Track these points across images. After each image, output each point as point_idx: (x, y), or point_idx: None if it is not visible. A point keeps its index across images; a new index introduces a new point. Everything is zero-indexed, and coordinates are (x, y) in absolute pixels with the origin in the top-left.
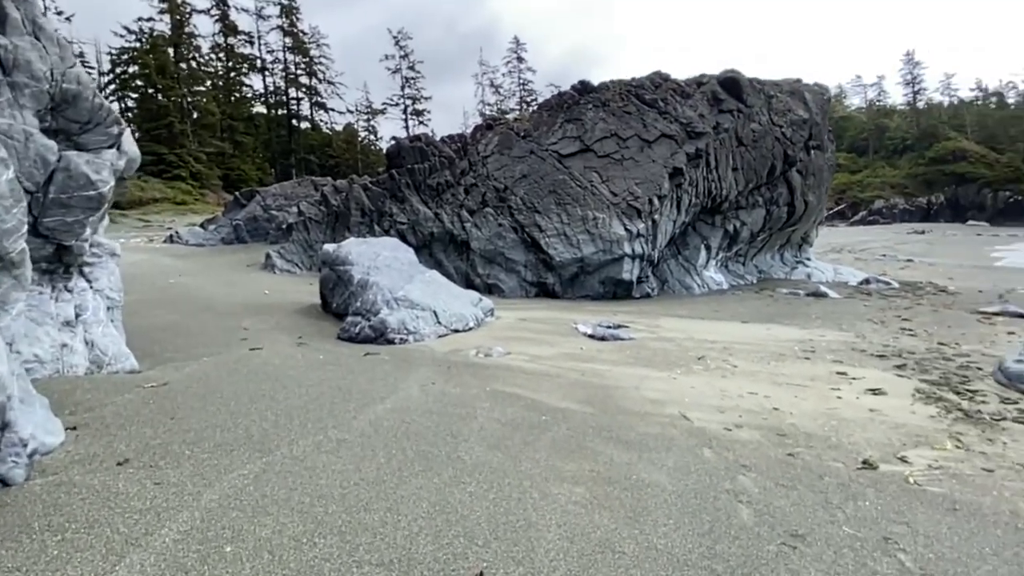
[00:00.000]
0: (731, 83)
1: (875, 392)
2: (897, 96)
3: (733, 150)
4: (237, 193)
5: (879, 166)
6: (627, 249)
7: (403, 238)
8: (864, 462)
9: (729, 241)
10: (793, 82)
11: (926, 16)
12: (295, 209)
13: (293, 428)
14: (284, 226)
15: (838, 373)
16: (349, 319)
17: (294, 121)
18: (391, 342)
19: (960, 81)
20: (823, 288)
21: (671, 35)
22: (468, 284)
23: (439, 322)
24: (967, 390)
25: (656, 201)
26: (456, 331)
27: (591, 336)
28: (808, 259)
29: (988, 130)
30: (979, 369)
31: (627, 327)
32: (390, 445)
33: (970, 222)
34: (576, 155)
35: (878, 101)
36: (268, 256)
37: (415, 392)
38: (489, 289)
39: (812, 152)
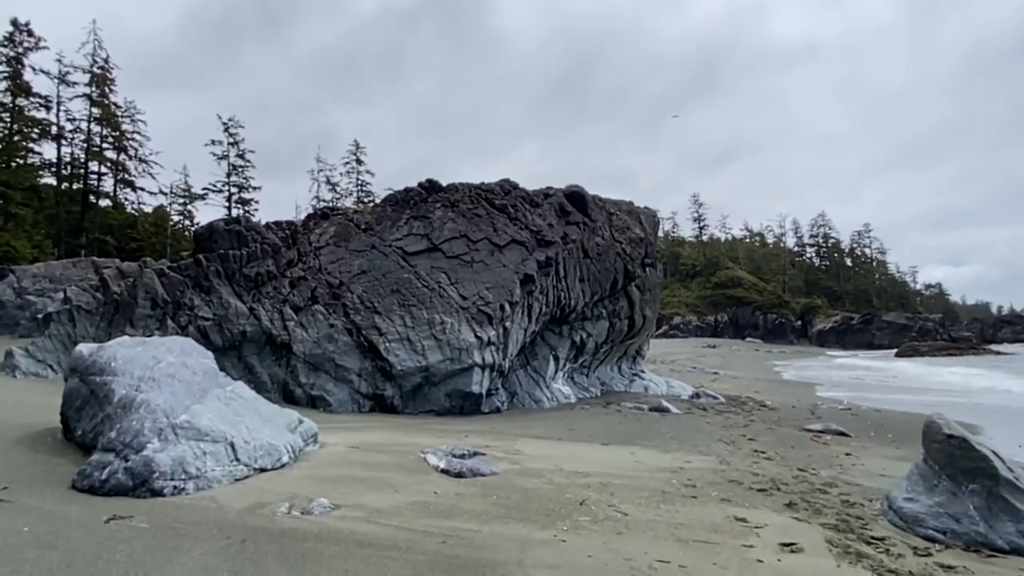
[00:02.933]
0: (577, 197)
1: (791, 548)
2: (687, 230)
3: (580, 261)
4: None
5: (676, 287)
6: (477, 358)
7: (205, 337)
8: None
9: (576, 352)
10: (628, 203)
11: (705, 170)
12: (62, 295)
13: None
14: (41, 316)
15: (737, 519)
16: (95, 457)
17: (92, 197)
18: (158, 494)
19: (732, 222)
20: (664, 403)
21: (498, 159)
22: (287, 396)
23: (237, 459)
24: (873, 538)
25: (508, 307)
26: (262, 470)
27: (445, 471)
28: (643, 371)
29: (755, 262)
30: (862, 506)
31: (484, 454)
32: None
33: (748, 339)
34: (423, 253)
35: (673, 233)
36: (9, 354)
37: None
38: (313, 402)
39: (647, 269)
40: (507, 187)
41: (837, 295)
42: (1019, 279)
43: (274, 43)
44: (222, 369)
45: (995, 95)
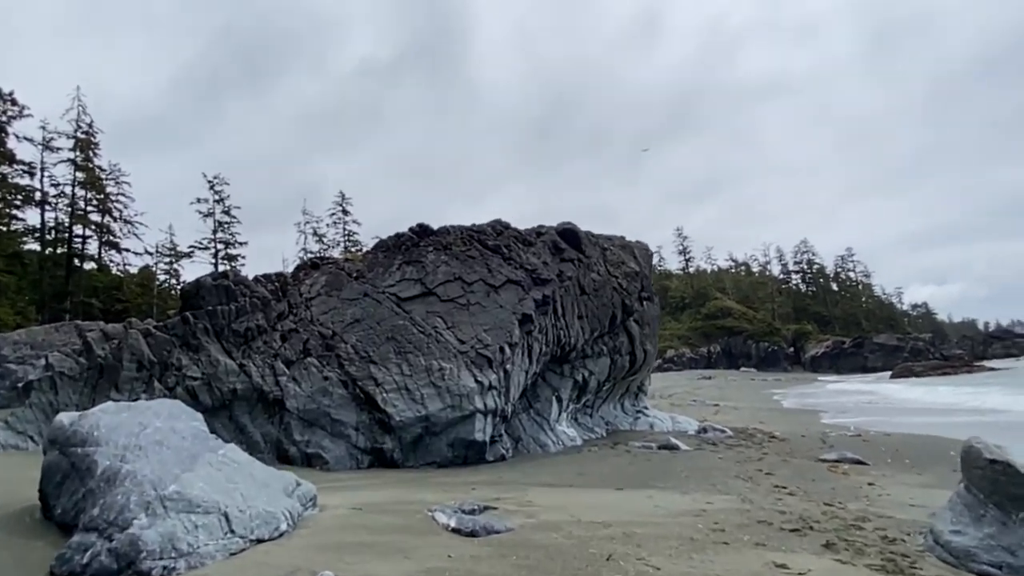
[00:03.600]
0: (570, 234)
1: None
2: (673, 263)
3: (577, 298)
4: None
5: (667, 320)
6: (479, 404)
7: (194, 397)
8: None
9: (579, 392)
10: (620, 238)
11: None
12: (43, 362)
13: None
14: (21, 384)
15: (777, 565)
16: (76, 538)
17: (76, 261)
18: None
19: (717, 253)
20: (672, 440)
21: (478, 203)
22: (281, 455)
23: (232, 530)
24: None
25: (508, 349)
26: (259, 541)
27: (457, 530)
28: (646, 408)
29: (743, 292)
30: (903, 541)
31: (495, 508)
32: None
33: (742, 368)
34: (417, 298)
35: (659, 266)
36: None
37: None
38: (309, 460)
39: (644, 303)
40: (499, 227)
41: (826, 320)
42: (1003, 295)
43: (258, 100)
44: (212, 431)
45: (962, 118)
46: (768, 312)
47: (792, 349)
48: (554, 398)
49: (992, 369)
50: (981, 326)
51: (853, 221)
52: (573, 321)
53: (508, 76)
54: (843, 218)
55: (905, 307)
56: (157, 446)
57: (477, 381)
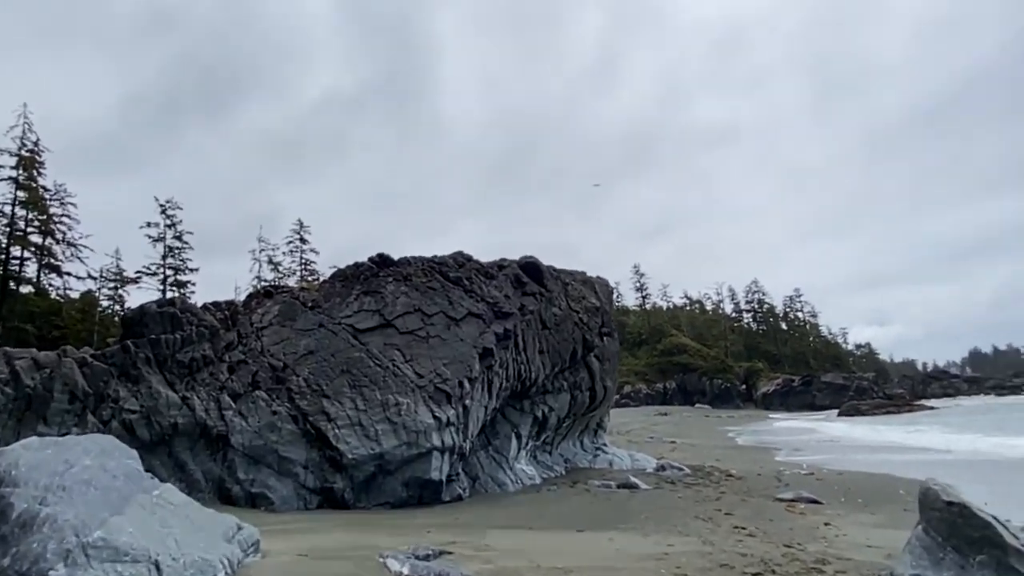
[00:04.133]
0: (532, 268)
1: None
2: (630, 299)
3: (538, 332)
4: None
5: (624, 356)
6: (436, 441)
7: (131, 432)
8: None
9: (538, 428)
10: (581, 273)
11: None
12: None
13: None
14: None
15: None
16: None
17: (12, 283)
18: None
19: (673, 290)
20: (631, 478)
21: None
22: (223, 495)
23: None
24: None
25: (467, 384)
26: None
27: None
28: (605, 444)
29: (697, 329)
30: None
31: (451, 552)
32: None
33: (697, 404)
34: (375, 330)
35: (617, 302)
36: None
37: None
38: (253, 500)
39: (605, 339)
40: (461, 259)
41: (776, 358)
42: (938, 336)
43: (217, 126)
44: (149, 469)
45: (895, 168)
46: (721, 350)
47: (744, 386)
48: (513, 435)
49: (932, 408)
50: (920, 366)
51: (799, 262)
52: (534, 355)
53: (473, 111)
54: (789, 259)
55: (850, 347)
56: (84, 486)
57: (435, 417)
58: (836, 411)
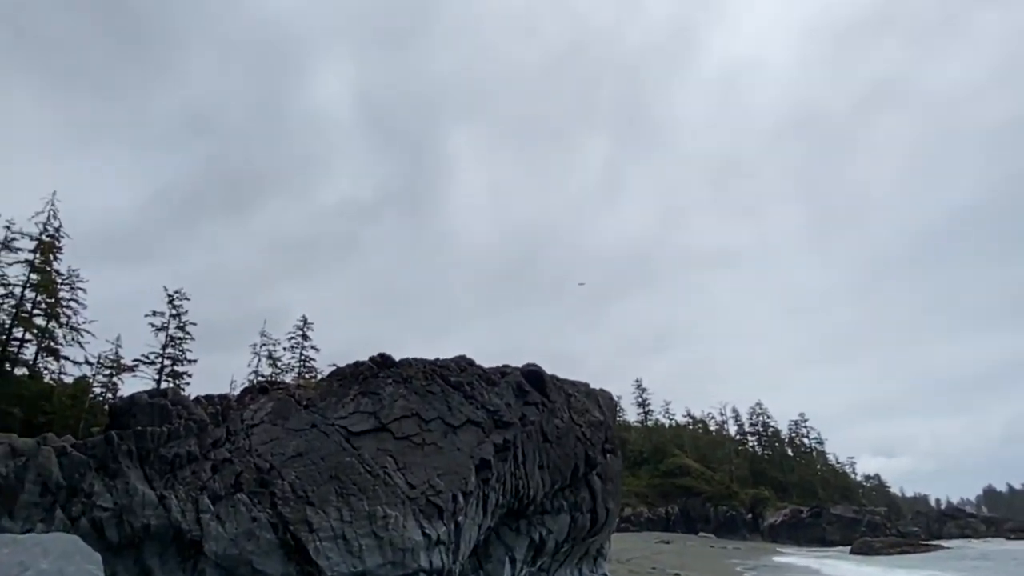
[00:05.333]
0: (534, 376)
1: None
2: (632, 414)
3: (539, 445)
4: None
5: (625, 475)
6: (423, 561)
7: (99, 531)
8: None
9: (535, 553)
10: (584, 384)
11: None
12: None
13: None
14: None
15: None
16: None
17: (7, 365)
18: None
19: (675, 407)
20: None
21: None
22: None
23: None
24: None
25: (461, 498)
26: None
27: None
28: (606, 575)
29: (701, 450)
30: None
31: None
32: None
33: (700, 533)
34: (369, 434)
35: (618, 417)
36: None
37: None
38: None
39: (608, 456)
40: (463, 364)
41: (783, 485)
42: (951, 470)
43: (234, 224)
44: (112, 575)
45: (896, 299)
46: (726, 473)
47: (750, 515)
48: (507, 558)
49: (948, 548)
50: (933, 502)
51: (801, 386)
52: (534, 470)
53: (482, 222)
54: (791, 383)
55: (859, 477)
56: None
57: (424, 534)
58: (847, 547)
